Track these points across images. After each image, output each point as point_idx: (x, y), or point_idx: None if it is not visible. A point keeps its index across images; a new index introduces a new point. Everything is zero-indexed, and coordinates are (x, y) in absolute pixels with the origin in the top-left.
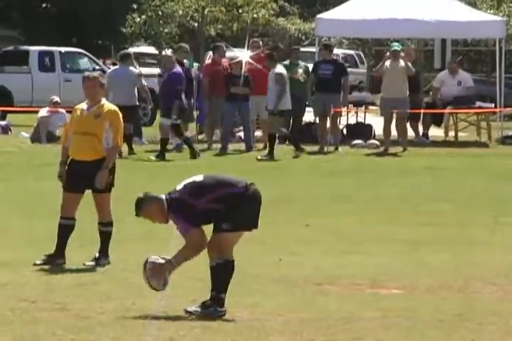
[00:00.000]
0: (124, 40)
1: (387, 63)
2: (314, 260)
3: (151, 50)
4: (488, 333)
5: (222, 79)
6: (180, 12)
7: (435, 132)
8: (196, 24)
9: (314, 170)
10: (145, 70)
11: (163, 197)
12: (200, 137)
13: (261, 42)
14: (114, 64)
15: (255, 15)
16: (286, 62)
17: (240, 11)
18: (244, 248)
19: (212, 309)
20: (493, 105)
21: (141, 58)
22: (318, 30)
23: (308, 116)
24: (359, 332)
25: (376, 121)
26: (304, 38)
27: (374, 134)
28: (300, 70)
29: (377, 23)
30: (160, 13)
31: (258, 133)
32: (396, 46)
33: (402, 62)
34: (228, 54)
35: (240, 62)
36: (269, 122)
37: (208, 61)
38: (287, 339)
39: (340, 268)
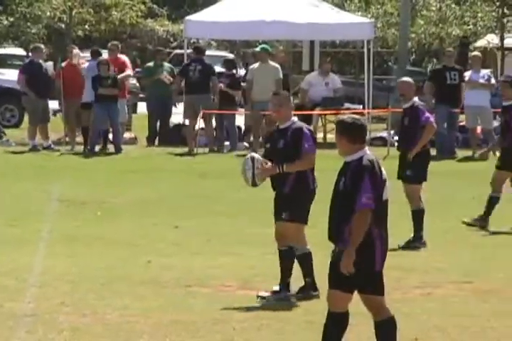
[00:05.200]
0: None
1: (256, 65)
2: (184, 262)
3: (19, 51)
4: (357, 332)
5: (80, 81)
6: (48, 13)
7: None
8: (64, 25)
9: (185, 172)
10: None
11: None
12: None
13: (119, 46)
14: None
15: (123, 17)
16: (151, 63)
17: (108, 12)
18: (113, 250)
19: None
20: (361, 106)
21: (8, 60)
22: (187, 32)
23: (177, 117)
24: (229, 334)
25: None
26: (172, 39)
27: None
28: (165, 72)
29: (245, 24)
30: (28, 15)
31: (127, 135)
32: (264, 47)
33: (271, 64)
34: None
35: (108, 64)
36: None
37: (62, 64)
38: None
39: (211, 269)
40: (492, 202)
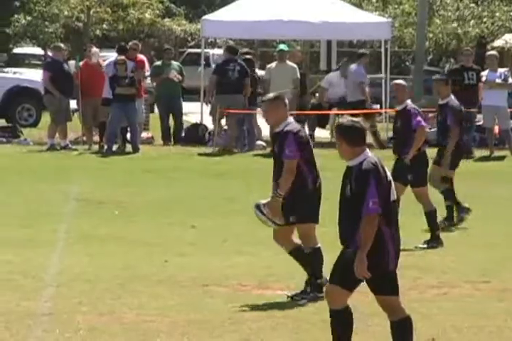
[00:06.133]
0: (7, 41)
1: (274, 65)
2: (201, 261)
3: (37, 50)
4: (373, 332)
5: (98, 80)
6: (66, 12)
7: (320, 133)
8: (82, 24)
9: (202, 172)
10: (29, 71)
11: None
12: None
13: (140, 45)
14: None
15: (141, 16)
16: (159, 62)
17: (126, 11)
18: (130, 249)
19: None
20: (378, 106)
21: (26, 59)
22: (204, 31)
23: (194, 117)
24: (246, 333)
25: (263, 123)
26: (190, 39)
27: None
28: (173, 70)
29: (262, 24)
30: (45, 14)
31: (144, 135)
32: (282, 47)
33: (288, 63)
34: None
35: (124, 63)
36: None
37: (80, 63)
38: (174, 340)
39: (227, 269)
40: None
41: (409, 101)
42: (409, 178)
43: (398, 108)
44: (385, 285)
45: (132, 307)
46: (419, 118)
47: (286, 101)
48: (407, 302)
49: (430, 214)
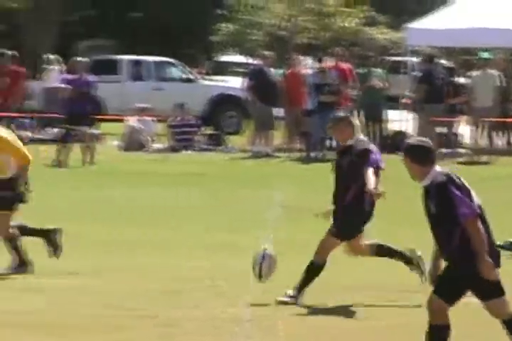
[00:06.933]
0: (213, 49)
1: (476, 72)
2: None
3: (240, 58)
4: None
5: (301, 88)
6: (272, 21)
7: None
8: (285, 33)
9: (400, 178)
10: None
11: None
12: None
13: (344, 52)
14: (205, 73)
15: (346, 24)
16: (361, 70)
17: (331, 19)
18: (334, 256)
19: None
20: None
21: (229, 67)
22: (408, 39)
23: (397, 124)
24: None
25: (466, 130)
26: (392, 47)
27: (461, 143)
28: (375, 78)
29: (467, 32)
30: (249, 22)
31: None
32: (485, 55)
33: (490, 71)
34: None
35: (325, 71)
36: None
37: (284, 71)
38: None
39: None
40: None
41: None
42: None
43: None
44: (490, 290)
45: (336, 313)
46: None
47: (352, 120)
48: None
49: None
